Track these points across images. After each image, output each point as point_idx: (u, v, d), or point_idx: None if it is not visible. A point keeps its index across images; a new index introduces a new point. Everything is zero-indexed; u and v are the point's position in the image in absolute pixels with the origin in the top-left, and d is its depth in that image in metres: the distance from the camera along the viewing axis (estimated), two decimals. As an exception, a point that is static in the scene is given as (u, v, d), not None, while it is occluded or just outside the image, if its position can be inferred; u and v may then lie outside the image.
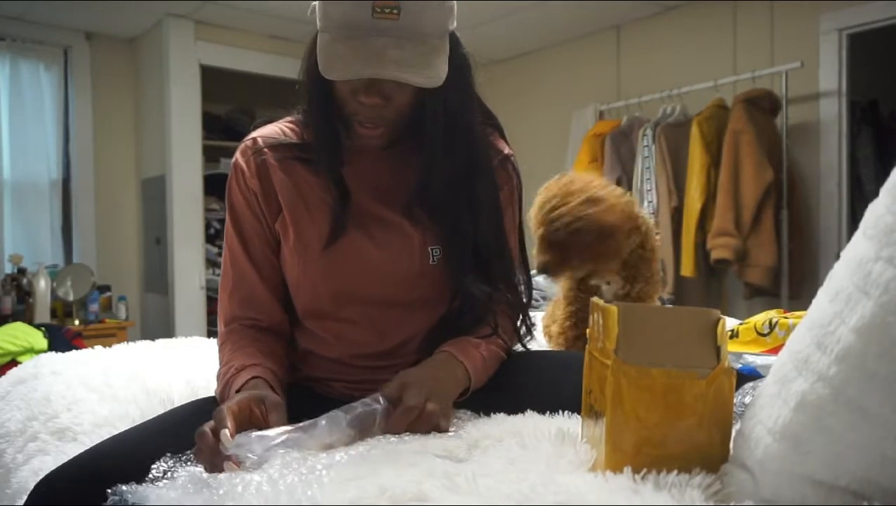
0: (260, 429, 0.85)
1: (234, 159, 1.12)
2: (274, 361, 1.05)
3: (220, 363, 1.07)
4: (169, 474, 0.80)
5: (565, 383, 0.94)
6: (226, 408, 0.84)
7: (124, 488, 0.77)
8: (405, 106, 1.01)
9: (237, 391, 0.95)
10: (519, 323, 1.14)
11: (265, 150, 1.10)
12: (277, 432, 0.83)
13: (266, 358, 1.03)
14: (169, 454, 0.84)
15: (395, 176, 1.10)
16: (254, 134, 1.13)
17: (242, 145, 1.12)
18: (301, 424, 0.87)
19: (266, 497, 0.66)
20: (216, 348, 1.64)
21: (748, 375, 0.91)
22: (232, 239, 1.12)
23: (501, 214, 1.12)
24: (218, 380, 1.05)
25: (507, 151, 1.16)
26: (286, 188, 1.08)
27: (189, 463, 0.83)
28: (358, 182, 1.08)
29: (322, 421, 0.85)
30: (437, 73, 0.95)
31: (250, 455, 0.79)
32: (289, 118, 1.16)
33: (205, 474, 0.75)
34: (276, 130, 1.13)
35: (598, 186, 1.34)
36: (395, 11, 0.92)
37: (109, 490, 0.77)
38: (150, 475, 0.80)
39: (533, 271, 1.25)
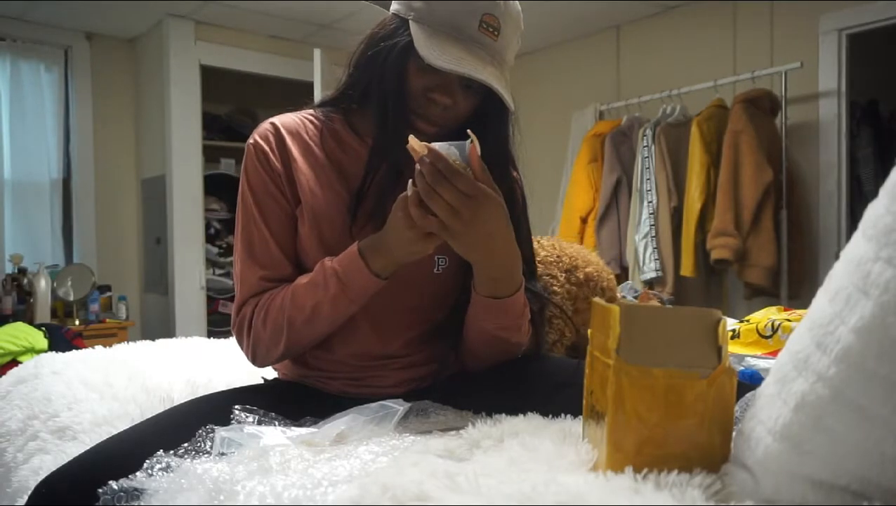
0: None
1: (251, 141, 1.10)
2: None
3: (298, 299, 1.02)
4: (163, 468, 0.81)
5: (567, 387, 0.95)
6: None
7: (115, 485, 0.77)
8: (464, 116, 1.06)
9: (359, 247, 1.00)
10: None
11: (287, 137, 1.10)
12: (270, 431, 0.83)
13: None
14: (162, 451, 0.84)
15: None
16: (273, 119, 1.13)
17: (262, 129, 1.11)
18: (299, 425, 0.87)
19: (265, 500, 0.67)
20: (216, 348, 1.63)
21: (749, 384, 0.91)
22: (254, 218, 1.08)
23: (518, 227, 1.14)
24: (324, 287, 1.01)
25: (514, 173, 1.19)
26: (306, 180, 1.08)
27: (185, 457, 0.84)
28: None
29: (341, 419, 0.86)
30: (510, 97, 1.03)
31: (236, 450, 0.79)
32: (308, 110, 1.16)
33: (199, 470, 0.75)
34: (297, 120, 1.13)
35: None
36: (496, 33, 1.00)
37: (101, 489, 0.77)
38: (144, 469, 0.80)
39: None
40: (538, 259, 1.48)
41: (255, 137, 1.11)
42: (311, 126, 1.13)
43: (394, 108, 1.04)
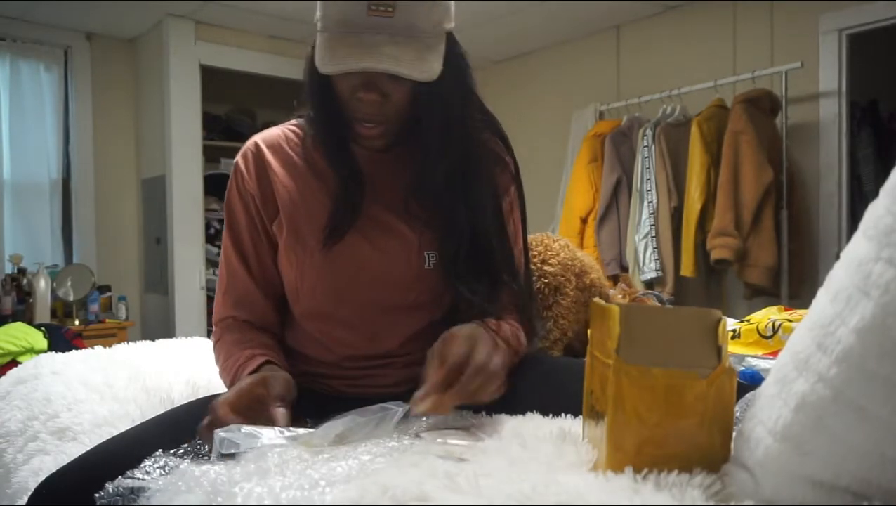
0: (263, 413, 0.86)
1: (235, 161, 1.14)
2: (276, 352, 1.08)
3: (222, 357, 1.08)
4: (161, 469, 0.80)
5: (567, 388, 0.94)
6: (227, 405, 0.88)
7: (110, 487, 0.76)
8: (403, 103, 1.02)
9: (250, 374, 0.98)
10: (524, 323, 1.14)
11: (266, 152, 1.12)
12: (268, 431, 0.83)
13: (269, 348, 1.07)
14: (161, 451, 0.84)
15: (394, 178, 1.10)
16: (256, 137, 1.15)
17: (244, 148, 1.14)
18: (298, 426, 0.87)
19: (263, 501, 0.66)
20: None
21: (749, 384, 0.90)
22: (227, 241, 1.14)
23: (502, 217, 1.11)
24: (226, 373, 1.06)
25: (506, 157, 1.16)
26: (285, 190, 1.09)
27: (184, 457, 0.83)
28: None
29: (340, 420, 0.86)
30: (430, 68, 0.97)
31: (234, 450, 0.79)
32: (293, 121, 1.17)
33: (197, 472, 0.75)
34: (279, 133, 1.15)
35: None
36: (389, 9, 0.94)
37: (97, 495, 0.77)
38: (142, 469, 0.80)
39: None
40: (557, 259, 1.48)
41: (238, 157, 1.14)
42: (293, 137, 1.14)
43: (327, 120, 1.06)
